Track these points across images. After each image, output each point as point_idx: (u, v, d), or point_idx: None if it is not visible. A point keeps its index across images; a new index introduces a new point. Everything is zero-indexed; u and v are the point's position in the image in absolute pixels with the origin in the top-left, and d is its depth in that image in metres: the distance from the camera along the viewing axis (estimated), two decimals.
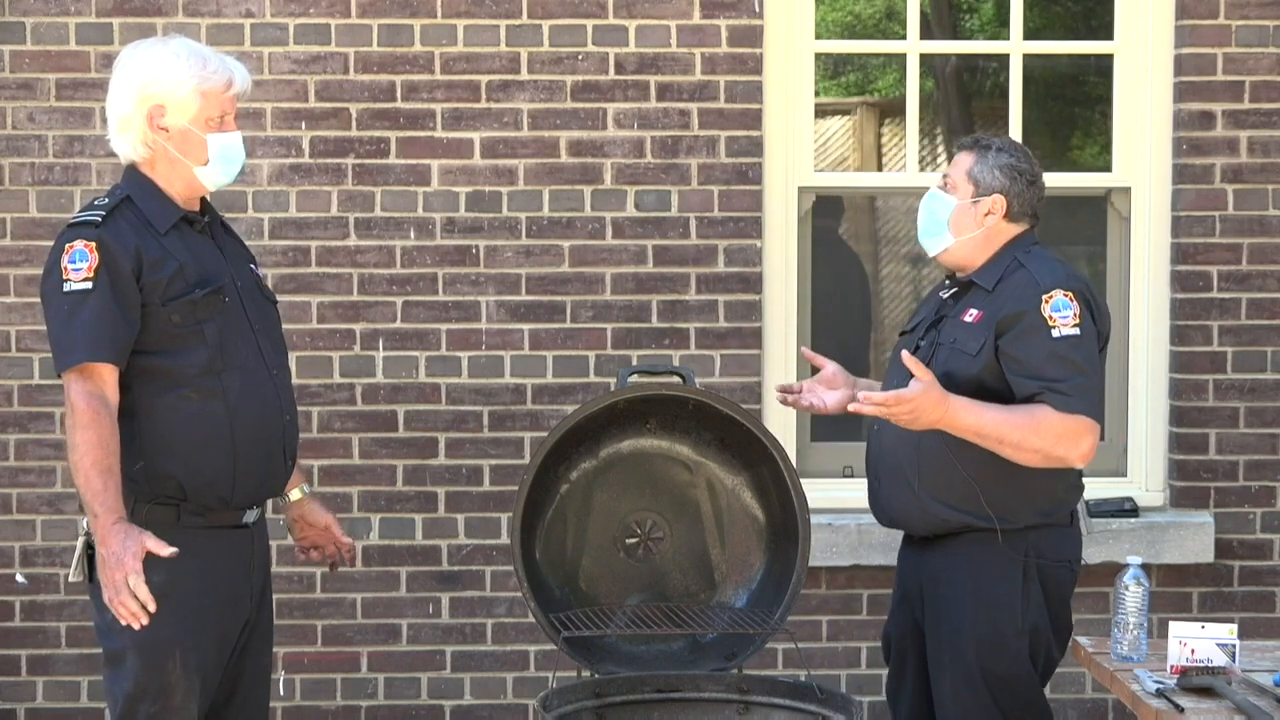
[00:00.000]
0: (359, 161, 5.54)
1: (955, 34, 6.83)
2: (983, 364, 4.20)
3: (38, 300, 4.13)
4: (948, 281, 4.44)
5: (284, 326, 4.27)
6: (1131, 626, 4.11)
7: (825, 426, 5.69)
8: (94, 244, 3.83)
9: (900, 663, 4.48)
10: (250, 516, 4.02)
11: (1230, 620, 5.12)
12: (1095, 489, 5.41)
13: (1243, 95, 5.62)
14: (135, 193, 3.95)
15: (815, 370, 4.58)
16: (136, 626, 3.74)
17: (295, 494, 4.30)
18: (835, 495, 5.61)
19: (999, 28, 6.25)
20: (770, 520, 4.55)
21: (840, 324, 5.98)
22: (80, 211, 3.97)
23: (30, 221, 5.50)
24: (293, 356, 4.72)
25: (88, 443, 3.74)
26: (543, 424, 5.55)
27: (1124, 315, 5.69)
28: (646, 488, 4.57)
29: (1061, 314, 4.17)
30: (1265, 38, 5.62)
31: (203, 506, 3.92)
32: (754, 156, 5.58)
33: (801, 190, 5.69)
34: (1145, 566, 4.20)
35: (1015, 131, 5.67)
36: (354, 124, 5.54)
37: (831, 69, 6.71)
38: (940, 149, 6.70)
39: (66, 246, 3.84)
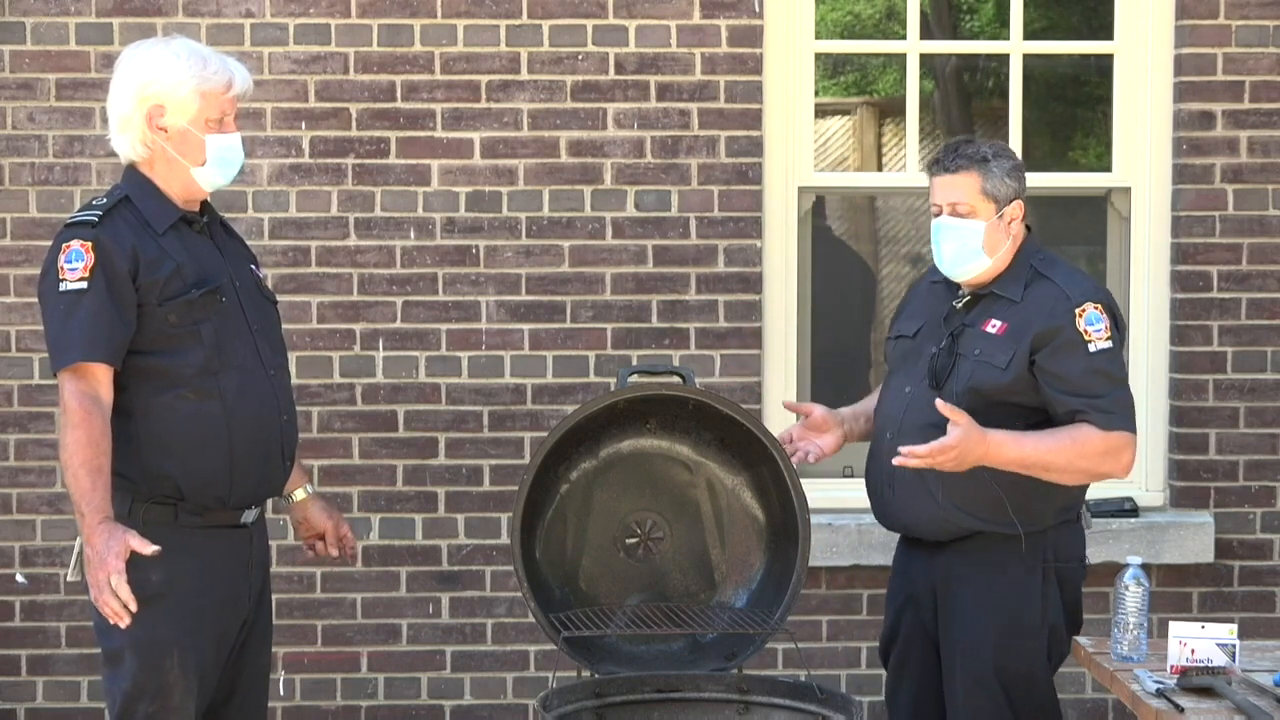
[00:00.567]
0: (359, 161, 5.54)
1: (955, 34, 6.83)
2: (1013, 376, 4.18)
3: (37, 300, 4.13)
4: (959, 290, 4.35)
5: (284, 327, 4.27)
6: (1131, 626, 4.11)
7: None
8: (90, 244, 3.82)
9: (901, 665, 4.47)
10: (248, 516, 4.01)
11: (1230, 620, 5.10)
12: (1095, 489, 5.35)
13: (1243, 95, 5.62)
14: (134, 193, 3.95)
15: (800, 416, 4.57)
16: (121, 625, 3.73)
17: (299, 494, 4.30)
18: (835, 495, 5.60)
19: (999, 28, 6.25)
20: (770, 520, 4.55)
21: (840, 324, 5.98)
22: (78, 211, 3.96)
23: (30, 221, 5.50)
24: (293, 356, 4.73)
25: (77, 442, 3.74)
26: (543, 424, 5.54)
27: (1124, 315, 5.68)
28: (646, 488, 4.56)
29: (1095, 328, 4.17)
30: (1265, 38, 5.61)
31: (200, 506, 3.91)
32: (754, 156, 5.58)
33: (801, 190, 5.69)
34: (1145, 566, 4.19)
35: (1015, 131, 5.67)
36: (354, 124, 5.53)
37: (831, 69, 6.71)
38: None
39: (63, 246, 3.84)
